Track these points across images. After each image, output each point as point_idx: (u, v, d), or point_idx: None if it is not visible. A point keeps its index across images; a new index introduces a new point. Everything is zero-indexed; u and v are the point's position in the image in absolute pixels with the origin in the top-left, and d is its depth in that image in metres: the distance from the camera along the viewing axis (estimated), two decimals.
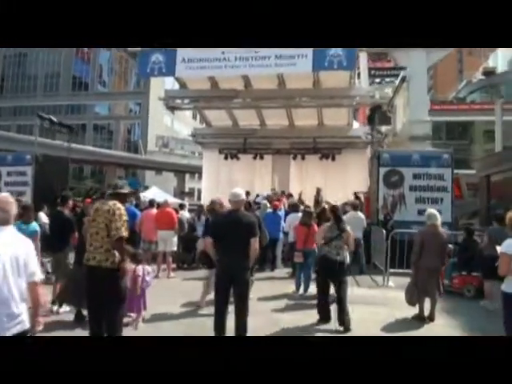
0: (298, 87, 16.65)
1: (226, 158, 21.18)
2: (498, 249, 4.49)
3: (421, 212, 11.57)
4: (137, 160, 44.11)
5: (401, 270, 9.81)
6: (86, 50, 56.81)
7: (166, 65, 13.79)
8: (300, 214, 9.90)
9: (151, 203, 11.64)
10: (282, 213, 12.21)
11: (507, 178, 14.26)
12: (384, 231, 10.21)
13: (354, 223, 9.90)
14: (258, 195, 17.56)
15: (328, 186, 19.34)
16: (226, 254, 5.42)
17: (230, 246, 5.36)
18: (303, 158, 20.62)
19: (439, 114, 40.02)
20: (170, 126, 58.64)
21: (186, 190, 44.27)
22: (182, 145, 53.15)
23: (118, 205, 5.14)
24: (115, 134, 56.90)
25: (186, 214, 13.16)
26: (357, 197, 14.61)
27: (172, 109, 18.69)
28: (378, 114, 14.01)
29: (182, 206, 13.79)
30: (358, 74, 18.55)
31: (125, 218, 5.12)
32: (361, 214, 11.66)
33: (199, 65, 13.55)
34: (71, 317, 6.71)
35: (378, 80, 29.91)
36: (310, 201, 16.93)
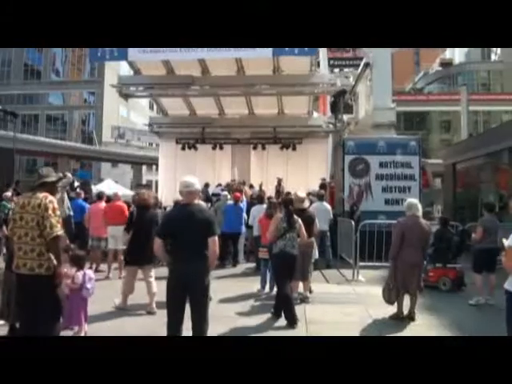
0: (258, 74, 16.02)
1: (183, 148, 20.44)
2: (505, 242, 3.90)
3: (388, 202, 11.29)
4: (90, 151, 42.01)
5: (370, 264, 9.37)
6: None
7: (118, 51, 12.85)
8: (265, 206, 9.23)
9: (99, 196, 10.75)
10: (243, 205, 11.50)
11: (473, 165, 14.06)
12: (352, 222, 9.67)
13: (320, 215, 9.32)
14: (219, 184, 16.86)
15: (289, 176, 19.11)
16: (178, 257, 4.53)
17: (183, 247, 4.51)
18: (264, 148, 20.21)
19: (397, 105, 40.22)
20: (126, 116, 56.73)
21: (144, 182, 42.72)
22: (139, 136, 51.55)
23: (50, 197, 4.33)
24: (69, 125, 54.67)
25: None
26: (323, 185, 14.00)
27: (126, 96, 17.66)
28: (342, 102, 13.40)
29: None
30: (318, 63, 18.13)
31: (58, 212, 4.32)
32: (327, 205, 10.89)
33: (154, 49, 12.65)
34: (5, 330, 5.74)
35: (336, 70, 29.62)
36: (270, 191, 16.47)
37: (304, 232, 6.81)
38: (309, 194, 11.86)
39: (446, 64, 57.44)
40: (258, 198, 11.16)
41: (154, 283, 7.10)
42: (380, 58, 13.11)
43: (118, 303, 7.11)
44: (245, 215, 11.14)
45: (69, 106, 55.11)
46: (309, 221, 7.22)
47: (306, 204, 7.47)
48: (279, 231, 6.54)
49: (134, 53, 12.96)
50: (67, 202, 10.57)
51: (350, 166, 11.53)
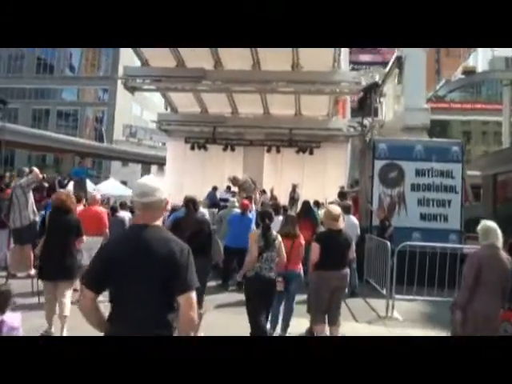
0: (275, 70, 14.63)
1: (192, 148, 19.28)
2: None
3: (424, 217, 9.68)
4: (96, 148, 40.06)
5: (409, 297, 7.66)
6: None
7: None
8: (281, 219, 7.00)
9: (77, 199, 8.99)
10: (252, 215, 9.65)
11: None
12: (388, 244, 7.90)
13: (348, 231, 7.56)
14: (228, 188, 15.39)
15: (305, 182, 17.80)
16: (120, 320, 2.63)
17: (127, 306, 2.62)
18: (278, 151, 18.91)
19: None
20: (139, 115, 55.90)
21: None
22: (152, 135, 50.53)
23: None
24: (80, 121, 53.90)
25: (127, 216, 10.33)
26: (342, 194, 12.30)
27: (132, 89, 16.29)
28: (373, 97, 11.70)
29: (122, 206, 11.10)
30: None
31: None
32: (354, 219, 8.97)
33: None
34: None
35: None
36: (283, 198, 15.17)
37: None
38: (331, 204, 10.37)
39: (469, 72, 55.69)
40: (273, 207, 8.70)
41: (68, 304, 5.84)
42: (414, 52, 11.49)
43: (46, 328, 5.83)
44: (254, 227, 9.21)
45: (81, 102, 54.47)
46: (344, 246, 5.73)
47: (342, 224, 5.75)
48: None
49: None
50: (32, 205, 9.19)
51: (381, 173, 9.93)
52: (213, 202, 12.64)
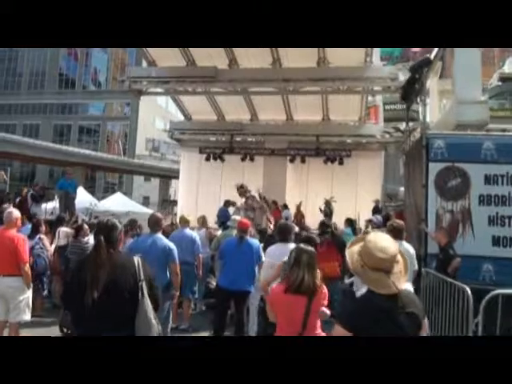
0: (298, 67, 12.67)
1: (207, 158, 17.49)
2: None
3: (497, 241, 7.08)
4: (107, 161, 38.16)
5: None
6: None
7: None
8: (291, 247, 4.32)
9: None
10: (255, 243, 6.45)
11: None
12: (468, 290, 5.10)
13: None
14: (232, 204, 13.24)
15: (334, 196, 15.40)
16: None
17: None
18: (303, 161, 16.94)
19: None
20: (163, 128, 54.75)
21: (172, 197, 39.42)
22: (174, 149, 49.22)
23: None
24: (101, 136, 53.00)
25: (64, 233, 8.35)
26: (377, 208, 9.84)
27: (138, 93, 14.51)
28: (423, 78, 9.13)
29: (60, 221, 9.01)
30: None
31: None
32: (409, 247, 6.00)
33: None
34: None
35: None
36: (312, 215, 13.17)
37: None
38: (369, 221, 8.05)
39: (507, 79, 52.83)
40: (280, 232, 5.84)
41: None
42: None
43: None
44: (262, 254, 6.29)
45: (102, 116, 53.82)
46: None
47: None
48: None
49: None
50: None
51: (438, 181, 7.14)
52: (224, 220, 10.44)
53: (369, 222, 8.11)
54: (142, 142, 50.87)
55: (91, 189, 45.74)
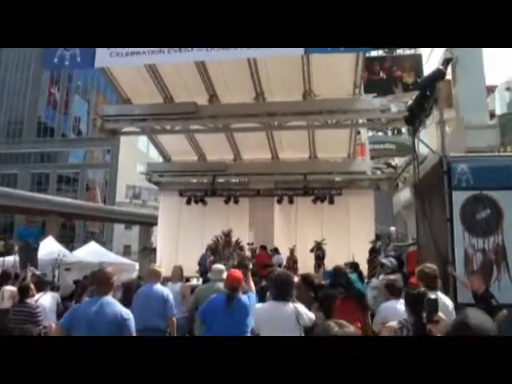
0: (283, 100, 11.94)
1: (188, 202, 16.56)
2: None
3: None
4: (81, 208, 36.63)
5: None
6: (54, 94, 52.95)
7: (81, 54, 8.58)
8: (291, 308, 3.81)
9: None
10: (251, 298, 4.87)
11: None
12: None
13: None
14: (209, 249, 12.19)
15: (325, 237, 14.98)
16: None
17: None
18: (291, 201, 16.21)
19: None
20: (140, 172, 53.85)
21: (155, 245, 37.89)
22: (156, 196, 48.13)
23: None
24: (80, 185, 51.78)
25: (48, 301, 6.95)
26: (374, 249, 8.65)
27: (111, 133, 13.43)
28: (430, 101, 8.15)
29: (42, 284, 7.42)
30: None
31: None
32: (446, 299, 4.54)
33: (132, 50, 8.33)
34: None
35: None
36: (303, 260, 12.14)
37: None
38: (381, 266, 6.89)
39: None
40: (277, 285, 4.29)
41: None
42: (469, 52, 8.30)
43: None
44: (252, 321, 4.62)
45: (81, 164, 52.82)
46: None
47: None
48: None
49: (103, 57, 8.57)
50: None
51: (465, 213, 6.06)
52: (205, 268, 9.23)
53: (381, 266, 6.97)
54: (122, 189, 49.86)
55: (70, 238, 44.19)
